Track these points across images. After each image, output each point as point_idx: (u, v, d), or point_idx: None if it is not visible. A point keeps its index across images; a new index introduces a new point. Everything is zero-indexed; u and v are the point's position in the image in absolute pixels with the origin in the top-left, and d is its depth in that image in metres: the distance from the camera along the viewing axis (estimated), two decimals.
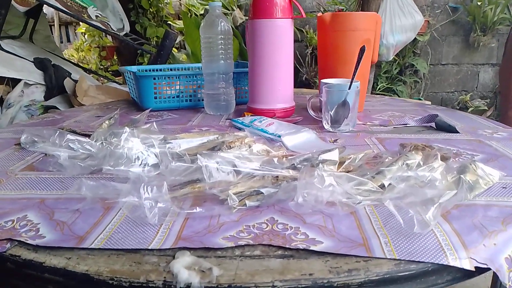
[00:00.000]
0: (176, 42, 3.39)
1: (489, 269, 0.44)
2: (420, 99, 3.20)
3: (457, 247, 0.45)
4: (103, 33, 4.00)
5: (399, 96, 3.29)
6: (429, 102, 2.03)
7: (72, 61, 3.18)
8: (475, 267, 0.43)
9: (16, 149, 0.83)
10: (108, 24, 2.38)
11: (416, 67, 3.35)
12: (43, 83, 1.96)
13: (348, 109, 0.90)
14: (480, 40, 3.26)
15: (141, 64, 3.30)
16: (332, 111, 0.91)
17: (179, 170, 0.62)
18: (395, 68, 3.35)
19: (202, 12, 3.60)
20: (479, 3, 3.17)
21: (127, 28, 2.62)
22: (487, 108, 3.39)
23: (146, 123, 0.90)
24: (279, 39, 1.00)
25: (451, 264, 0.43)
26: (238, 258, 0.44)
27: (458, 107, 3.46)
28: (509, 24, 3.11)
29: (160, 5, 3.46)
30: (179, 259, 0.43)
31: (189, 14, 3.62)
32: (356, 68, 0.92)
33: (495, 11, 3.12)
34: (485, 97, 3.49)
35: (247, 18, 1.02)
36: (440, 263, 0.43)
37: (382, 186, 0.56)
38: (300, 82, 3.40)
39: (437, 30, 3.34)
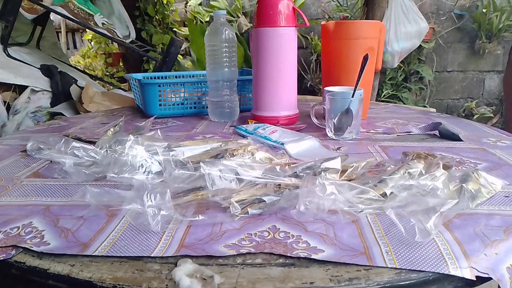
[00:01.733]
0: (182, 49, 3.42)
1: (490, 278, 0.44)
2: (425, 106, 3.20)
3: (458, 256, 0.45)
4: (110, 40, 4.03)
5: (404, 103, 3.29)
6: (434, 110, 2.03)
7: (79, 67, 3.21)
8: (476, 277, 0.43)
9: (22, 156, 0.84)
10: (114, 31, 2.40)
11: (421, 74, 3.35)
12: (50, 89, 1.98)
13: (351, 117, 0.91)
14: (486, 47, 3.26)
15: (146, 70, 3.32)
16: (336, 119, 0.92)
17: (182, 178, 0.62)
18: (400, 75, 3.34)
19: (207, 19, 3.63)
20: (484, 10, 3.17)
21: (133, 35, 2.64)
22: (493, 115, 3.38)
23: (150, 130, 0.91)
24: (283, 47, 1.01)
25: (452, 273, 0.43)
26: (240, 266, 0.44)
27: (463, 114, 3.45)
28: None
29: (166, 12, 3.49)
30: (181, 266, 0.43)
31: (195, 21, 3.66)
32: (359, 76, 0.92)
33: (500, 18, 3.12)
34: (491, 104, 3.48)
35: (252, 25, 1.03)
36: (441, 272, 0.43)
37: (384, 195, 0.57)
38: (304, 88, 3.41)
39: (442, 37, 3.34)
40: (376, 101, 2.55)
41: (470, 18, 3.27)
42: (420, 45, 3.05)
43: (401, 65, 3.27)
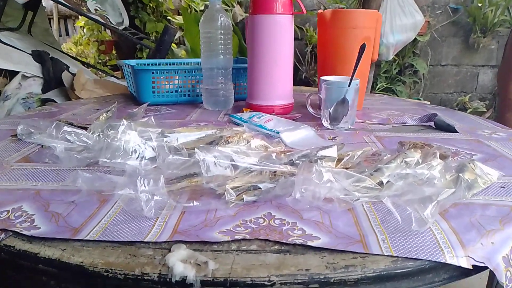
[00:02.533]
0: (176, 37, 3.38)
1: (486, 267, 0.44)
2: (419, 99, 3.21)
3: (454, 245, 0.45)
4: (102, 27, 3.99)
5: (398, 96, 3.29)
6: (428, 102, 2.03)
7: (71, 54, 3.17)
8: (472, 266, 0.43)
9: (12, 140, 0.82)
10: (107, 18, 2.36)
11: (415, 68, 3.35)
12: (41, 76, 1.95)
13: (347, 106, 0.90)
14: (480, 41, 3.27)
15: (140, 59, 3.29)
16: (331, 109, 0.91)
17: (177, 164, 0.61)
18: (395, 68, 3.34)
19: (202, 8, 3.59)
20: (479, 5, 3.17)
21: (126, 23, 2.61)
22: (485, 110, 3.39)
23: (144, 117, 0.90)
24: (279, 35, 1.00)
25: (448, 262, 0.42)
26: (234, 253, 0.44)
27: (457, 108, 3.46)
28: (509, 26, 3.12)
29: (159, 0, 3.45)
30: (175, 252, 0.43)
31: (189, 9, 3.61)
32: (356, 66, 0.92)
33: (495, 13, 3.13)
34: (484, 98, 3.49)
35: (247, 14, 1.02)
36: (437, 260, 0.42)
37: (380, 183, 0.56)
38: (299, 80, 3.40)
39: (437, 31, 3.34)
40: (370, 93, 2.55)
41: (465, 12, 3.27)
42: (415, 39, 3.05)
43: (396, 58, 3.27)
